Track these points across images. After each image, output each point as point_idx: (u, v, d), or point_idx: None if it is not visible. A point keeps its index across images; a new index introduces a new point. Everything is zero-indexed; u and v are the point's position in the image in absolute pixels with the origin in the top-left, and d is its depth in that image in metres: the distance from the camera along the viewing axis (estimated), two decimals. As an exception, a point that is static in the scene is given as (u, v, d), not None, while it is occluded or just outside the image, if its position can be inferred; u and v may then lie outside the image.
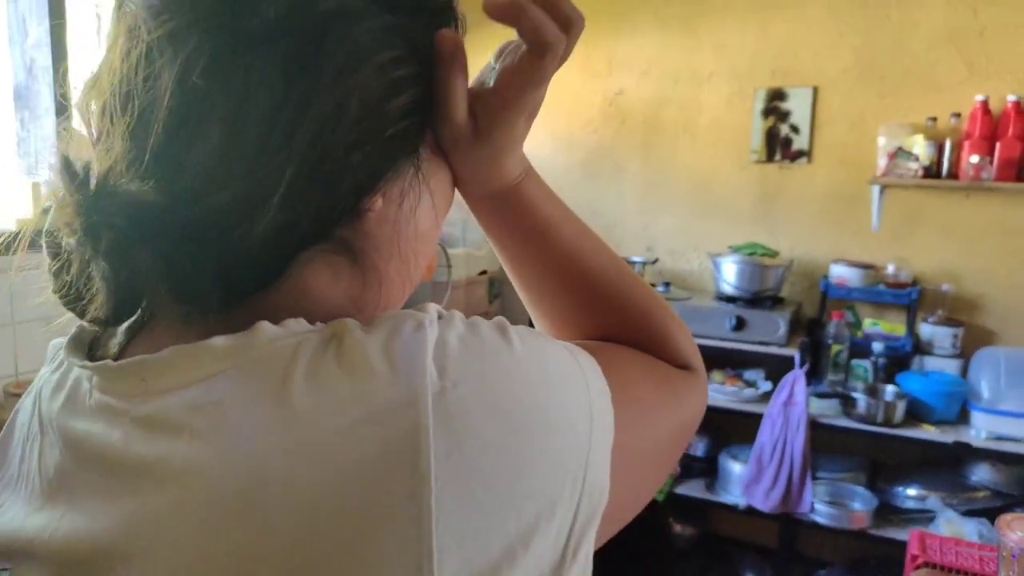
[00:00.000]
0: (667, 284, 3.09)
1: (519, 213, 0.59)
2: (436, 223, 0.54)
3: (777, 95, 3.01)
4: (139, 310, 0.48)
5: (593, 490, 0.43)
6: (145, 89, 0.42)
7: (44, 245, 0.46)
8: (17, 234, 0.47)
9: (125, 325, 0.49)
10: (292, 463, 0.36)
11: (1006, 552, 1.04)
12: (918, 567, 2.08)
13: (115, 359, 0.45)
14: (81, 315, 0.47)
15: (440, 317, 0.43)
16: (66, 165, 0.41)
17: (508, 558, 0.38)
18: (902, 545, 2.30)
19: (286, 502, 0.35)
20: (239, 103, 0.41)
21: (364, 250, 0.48)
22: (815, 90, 2.95)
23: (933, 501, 2.57)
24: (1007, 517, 1.06)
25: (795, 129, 3.00)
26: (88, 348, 0.50)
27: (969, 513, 2.51)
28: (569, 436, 0.42)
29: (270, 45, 0.41)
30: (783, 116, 3.01)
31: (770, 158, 3.05)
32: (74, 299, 0.46)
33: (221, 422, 0.38)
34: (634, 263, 3.14)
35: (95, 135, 0.45)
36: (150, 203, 0.40)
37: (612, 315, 0.61)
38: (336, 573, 0.35)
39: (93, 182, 0.41)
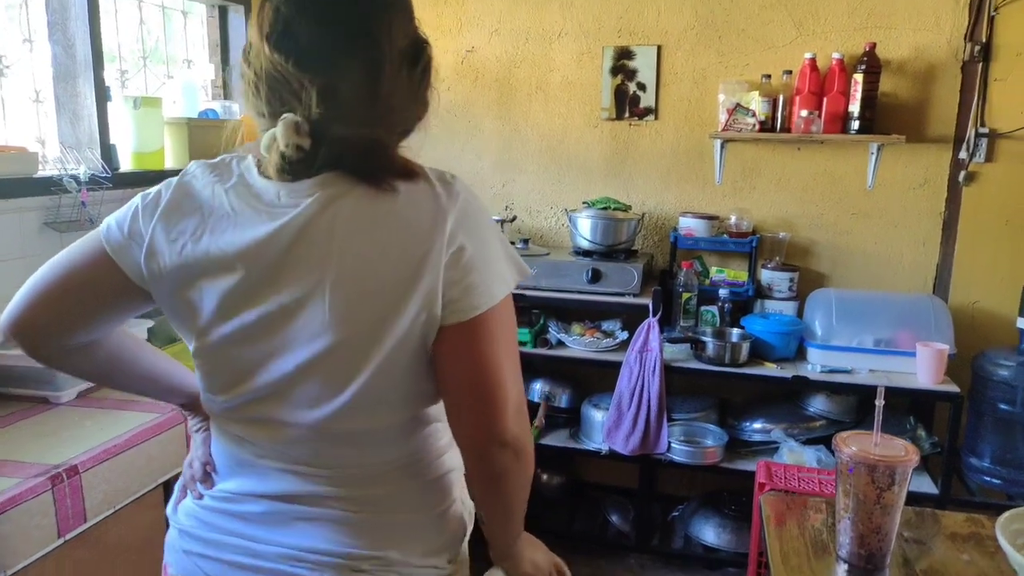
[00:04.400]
0: (526, 241, 3.13)
1: None
2: None
3: (624, 53, 3.08)
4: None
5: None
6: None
7: (286, 150, 0.88)
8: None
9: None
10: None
11: (842, 466, 1.13)
12: (765, 494, 2.24)
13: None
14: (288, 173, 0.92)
15: None
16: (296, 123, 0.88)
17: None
18: (751, 475, 2.48)
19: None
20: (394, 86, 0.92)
21: None
22: (659, 48, 3.05)
23: (777, 433, 2.77)
24: (843, 434, 1.15)
25: (642, 87, 3.09)
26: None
27: (809, 442, 2.72)
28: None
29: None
30: (631, 74, 3.09)
31: (620, 115, 3.14)
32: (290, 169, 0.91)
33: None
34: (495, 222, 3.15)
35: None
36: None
37: None
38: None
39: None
